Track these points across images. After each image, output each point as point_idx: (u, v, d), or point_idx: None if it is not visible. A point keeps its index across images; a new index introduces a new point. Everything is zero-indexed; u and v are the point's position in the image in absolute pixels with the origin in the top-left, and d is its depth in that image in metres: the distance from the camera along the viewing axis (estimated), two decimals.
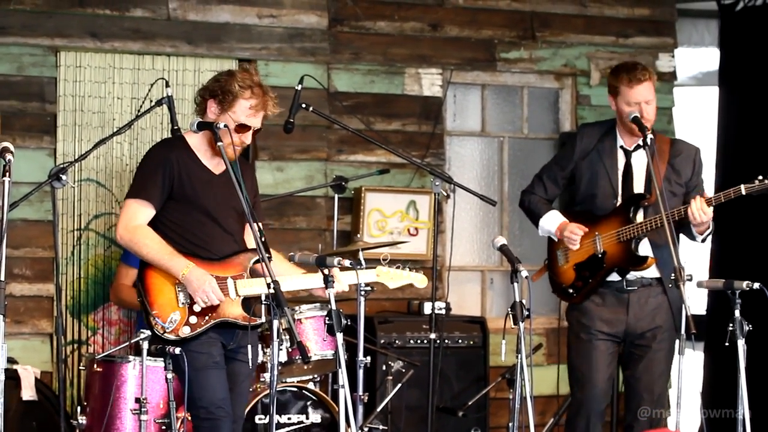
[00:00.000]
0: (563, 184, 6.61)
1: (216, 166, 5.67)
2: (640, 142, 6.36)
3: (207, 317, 5.54)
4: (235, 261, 5.65)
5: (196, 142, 5.66)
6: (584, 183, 6.49)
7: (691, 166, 6.45)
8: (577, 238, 6.37)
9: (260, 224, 5.47)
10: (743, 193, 6.07)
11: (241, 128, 5.61)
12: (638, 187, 6.38)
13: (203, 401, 5.51)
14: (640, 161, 6.41)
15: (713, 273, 8.71)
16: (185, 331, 5.51)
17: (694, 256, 10.24)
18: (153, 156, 5.66)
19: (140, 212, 5.57)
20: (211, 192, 5.63)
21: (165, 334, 5.49)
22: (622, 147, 6.44)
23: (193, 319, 5.52)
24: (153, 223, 5.60)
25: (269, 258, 5.62)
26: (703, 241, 6.39)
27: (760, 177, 6.07)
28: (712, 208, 6.14)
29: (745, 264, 8.37)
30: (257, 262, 5.59)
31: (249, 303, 5.62)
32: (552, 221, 6.51)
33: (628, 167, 6.41)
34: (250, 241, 5.75)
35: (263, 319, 5.62)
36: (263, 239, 5.66)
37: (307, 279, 5.70)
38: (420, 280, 6.15)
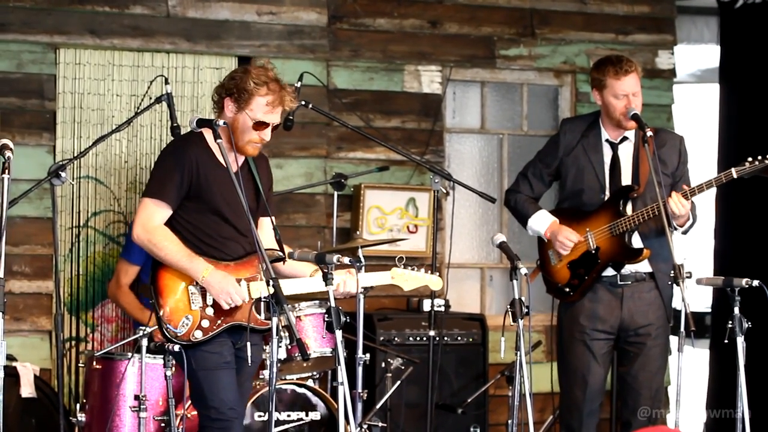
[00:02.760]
0: (549, 181, 6.58)
1: (233, 162, 5.58)
2: (627, 134, 6.36)
3: (219, 321, 5.51)
4: (249, 262, 5.62)
5: (214, 139, 5.57)
6: (570, 179, 6.46)
7: (677, 156, 6.42)
8: (570, 245, 6.33)
9: (273, 219, 5.47)
10: (734, 176, 6.07)
11: (259, 125, 5.56)
12: (626, 180, 6.35)
13: (214, 402, 5.48)
14: (626, 154, 6.39)
15: (717, 270, 8.70)
16: (197, 335, 5.48)
17: (698, 253, 10.24)
18: (172, 155, 5.60)
19: (158, 212, 5.52)
20: (228, 191, 5.53)
21: (177, 338, 5.47)
22: (607, 140, 6.42)
23: (205, 323, 5.49)
24: (168, 223, 5.56)
25: (283, 259, 5.61)
26: (685, 233, 6.36)
27: (750, 158, 6.08)
28: (690, 201, 6.14)
29: (749, 261, 8.35)
30: (272, 262, 5.51)
31: (260, 305, 5.59)
32: (541, 221, 6.46)
33: (615, 160, 6.39)
34: (265, 239, 5.69)
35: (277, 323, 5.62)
36: (277, 237, 5.64)
37: (316, 281, 5.63)
38: (435, 283, 6.11)
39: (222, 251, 5.57)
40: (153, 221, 5.50)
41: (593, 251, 6.31)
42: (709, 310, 8.87)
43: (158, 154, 5.80)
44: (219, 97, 5.66)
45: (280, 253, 5.65)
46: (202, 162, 5.55)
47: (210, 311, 5.50)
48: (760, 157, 6.04)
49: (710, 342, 8.84)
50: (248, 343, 5.40)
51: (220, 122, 5.42)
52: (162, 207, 5.52)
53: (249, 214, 5.19)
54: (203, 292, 5.51)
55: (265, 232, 5.75)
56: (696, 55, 9.77)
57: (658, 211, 6.04)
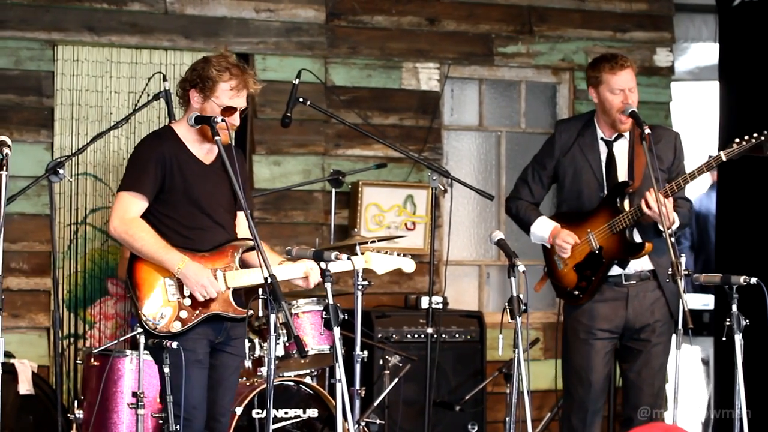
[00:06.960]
0: (548, 184, 6.56)
1: (206, 155, 5.66)
2: (623, 133, 6.36)
3: (197, 311, 5.51)
4: (224, 252, 5.62)
5: (185, 132, 5.64)
6: (569, 179, 6.45)
7: (672, 151, 6.42)
8: (568, 247, 6.33)
9: (248, 212, 5.46)
10: (723, 159, 6.06)
11: (227, 111, 5.57)
12: (621, 176, 6.35)
13: (177, 399, 5.48)
14: (621, 150, 6.38)
15: (717, 267, 8.69)
16: (176, 327, 5.47)
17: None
18: (145, 148, 5.63)
19: (134, 205, 5.54)
20: (202, 183, 5.61)
21: (157, 330, 5.47)
22: (602, 138, 6.42)
23: (183, 314, 5.49)
24: (144, 216, 5.58)
25: (255, 248, 5.61)
26: (671, 236, 6.30)
27: (737, 140, 6.07)
28: (671, 199, 6.12)
29: (749, 258, 8.34)
30: (246, 251, 5.62)
31: (239, 294, 5.61)
32: (543, 228, 6.45)
33: (610, 157, 6.39)
34: (241, 232, 5.75)
35: (252, 311, 5.63)
36: (251, 228, 5.65)
37: (288, 269, 5.66)
38: (408, 265, 6.09)
39: (198, 242, 5.58)
40: (129, 213, 5.52)
41: (597, 251, 6.30)
42: (707, 307, 8.85)
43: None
44: (184, 92, 5.67)
45: (252, 243, 5.64)
46: (176, 155, 5.58)
47: (187, 302, 5.50)
48: (746, 137, 6.05)
49: (714, 341, 8.83)
50: (245, 340, 5.41)
51: (218, 119, 5.43)
52: (138, 199, 5.54)
53: (242, 196, 5.25)
54: (180, 284, 5.50)
55: (241, 225, 5.78)
56: (694, 53, 9.76)
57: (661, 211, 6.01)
